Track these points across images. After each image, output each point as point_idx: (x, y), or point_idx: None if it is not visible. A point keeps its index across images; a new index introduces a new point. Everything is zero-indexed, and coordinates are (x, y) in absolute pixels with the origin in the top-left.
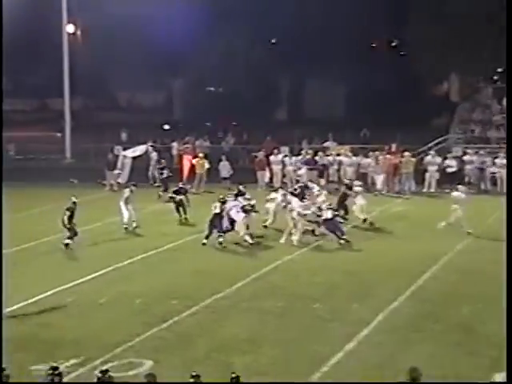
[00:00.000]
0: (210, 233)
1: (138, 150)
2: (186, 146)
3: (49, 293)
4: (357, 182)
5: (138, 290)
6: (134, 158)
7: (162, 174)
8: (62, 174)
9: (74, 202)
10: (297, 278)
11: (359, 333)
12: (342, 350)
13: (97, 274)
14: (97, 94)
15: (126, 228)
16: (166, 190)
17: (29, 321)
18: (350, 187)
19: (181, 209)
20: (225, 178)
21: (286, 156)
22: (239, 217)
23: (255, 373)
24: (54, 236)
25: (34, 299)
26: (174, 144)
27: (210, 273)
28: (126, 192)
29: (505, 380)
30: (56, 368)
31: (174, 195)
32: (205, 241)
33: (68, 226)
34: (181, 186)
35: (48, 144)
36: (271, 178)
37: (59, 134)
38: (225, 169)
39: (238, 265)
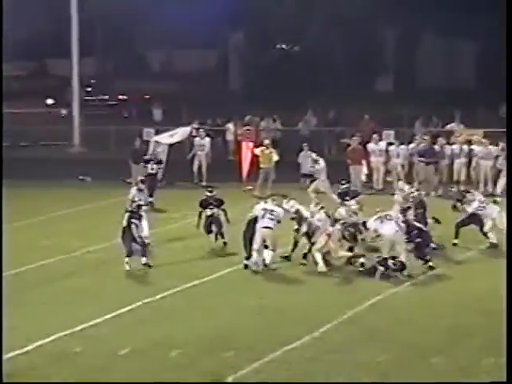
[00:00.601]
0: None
1: (178, 133)
2: (246, 128)
3: (50, 338)
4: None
5: (176, 336)
6: (172, 145)
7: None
8: (68, 167)
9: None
10: (405, 320)
11: None
12: None
13: (118, 311)
14: (117, 54)
15: None
16: (151, 195)
17: (21, 378)
18: (460, 198)
19: (214, 228)
20: (305, 175)
21: (390, 144)
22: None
23: None
24: (62, 255)
25: (27, 347)
26: (230, 125)
27: (280, 312)
28: (133, 191)
29: None
30: None
31: (201, 209)
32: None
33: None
34: (209, 193)
35: (48, 125)
36: (370, 175)
37: (64, 111)
38: (307, 162)
39: (319, 301)
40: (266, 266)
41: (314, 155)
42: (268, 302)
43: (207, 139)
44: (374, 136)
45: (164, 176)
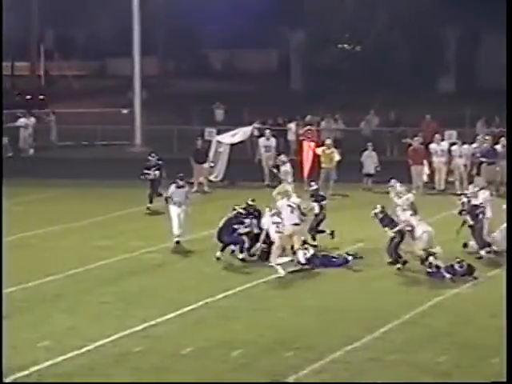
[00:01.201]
0: None
1: (240, 133)
2: (307, 128)
3: (110, 338)
4: None
5: (237, 336)
6: (233, 145)
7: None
8: (129, 167)
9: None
10: (466, 320)
11: None
12: None
13: (179, 311)
14: (179, 54)
15: (177, 242)
16: (151, 201)
17: (81, 378)
18: None
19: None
20: (368, 175)
21: (453, 144)
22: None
23: None
24: (122, 256)
25: (87, 347)
26: (292, 125)
27: (340, 312)
28: (172, 188)
29: None
30: None
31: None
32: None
33: None
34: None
35: (109, 124)
36: (431, 175)
37: (125, 111)
38: (369, 161)
39: (379, 301)
40: (302, 264)
41: (283, 157)
42: (328, 302)
43: (273, 140)
44: (436, 136)
45: (225, 176)
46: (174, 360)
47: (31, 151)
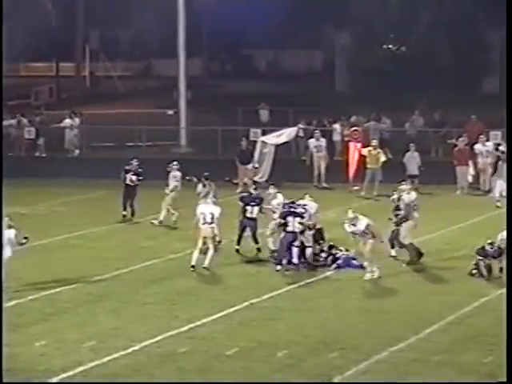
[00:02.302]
0: None
1: (284, 134)
2: (353, 129)
3: (155, 339)
4: None
5: (282, 337)
6: (278, 146)
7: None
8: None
9: None
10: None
11: None
12: None
13: (224, 312)
14: (224, 54)
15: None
16: (131, 206)
17: (126, 379)
18: None
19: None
20: (412, 176)
21: (498, 145)
22: None
23: None
24: (165, 256)
25: (132, 348)
26: (337, 126)
27: (384, 312)
28: (199, 188)
29: None
30: None
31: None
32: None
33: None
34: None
35: (154, 125)
36: (477, 176)
37: (170, 112)
38: (413, 162)
39: (424, 302)
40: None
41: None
42: (372, 302)
43: (323, 140)
44: (481, 137)
45: (270, 176)
46: (218, 361)
47: (77, 152)
